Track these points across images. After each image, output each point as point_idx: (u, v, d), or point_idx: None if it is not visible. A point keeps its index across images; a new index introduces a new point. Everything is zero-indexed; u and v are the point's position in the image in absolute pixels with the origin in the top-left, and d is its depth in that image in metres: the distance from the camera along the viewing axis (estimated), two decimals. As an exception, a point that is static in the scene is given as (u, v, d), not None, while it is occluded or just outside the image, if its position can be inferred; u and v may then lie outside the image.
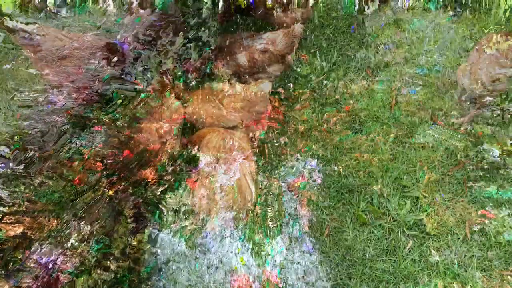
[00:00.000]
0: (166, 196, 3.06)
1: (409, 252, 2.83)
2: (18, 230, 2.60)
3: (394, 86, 3.56)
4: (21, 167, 2.78)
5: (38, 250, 2.57)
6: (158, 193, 3.03)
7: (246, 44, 3.48)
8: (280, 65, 3.57)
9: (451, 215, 2.89)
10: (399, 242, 2.87)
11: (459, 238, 2.80)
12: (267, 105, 3.38)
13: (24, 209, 2.64)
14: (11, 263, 2.47)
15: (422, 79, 3.59)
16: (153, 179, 3.03)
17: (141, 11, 3.91)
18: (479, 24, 3.86)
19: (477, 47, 3.16)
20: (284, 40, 3.41)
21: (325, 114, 3.49)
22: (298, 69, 3.76)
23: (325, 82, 3.69)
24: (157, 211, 3.03)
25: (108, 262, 2.69)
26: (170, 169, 3.09)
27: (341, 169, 3.21)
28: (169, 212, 3.03)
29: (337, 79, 3.68)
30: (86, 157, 2.88)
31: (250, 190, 3.07)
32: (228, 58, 3.61)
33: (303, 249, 2.95)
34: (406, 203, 2.97)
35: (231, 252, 2.96)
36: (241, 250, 2.96)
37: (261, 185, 3.20)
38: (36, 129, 2.94)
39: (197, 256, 2.95)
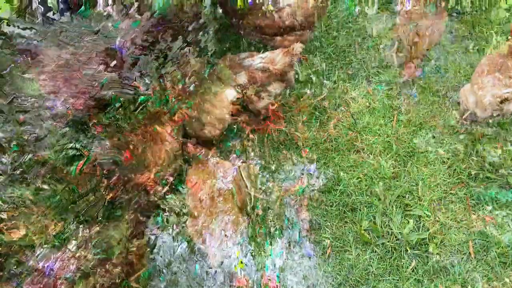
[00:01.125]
0: (167, 197, 3.10)
1: (413, 271, 2.90)
2: (17, 235, 2.60)
3: (396, 104, 3.69)
4: (18, 171, 2.80)
5: (36, 255, 2.56)
6: (160, 195, 3.07)
7: (245, 64, 3.57)
8: (281, 83, 3.65)
9: (454, 234, 2.98)
10: (402, 262, 2.94)
11: (463, 258, 2.89)
12: (227, 115, 3.40)
13: (22, 213, 2.65)
14: (14, 267, 2.47)
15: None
16: (154, 181, 3.07)
17: (138, 16, 4.01)
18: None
19: (478, 69, 3.31)
20: (283, 59, 3.50)
21: (327, 132, 3.59)
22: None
23: (325, 101, 3.80)
24: (159, 213, 3.07)
25: (107, 267, 2.69)
26: (170, 170, 3.14)
27: (343, 187, 3.28)
28: (171, 214, 3.07)
29: (338, 97, 3.79)
30: (85, 160, 2.90)
31: (249, 193, 3.13)
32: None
33: (302, 253, 3.03)
34: (409, 221, 3.05)
35: (230, 255, 3.01)
36: (240, 254, 3.01)
37: (260, 188, 3.27)
38: (33, 134, 2.97)
39: (197, 260, 2.98)
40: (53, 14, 3.58)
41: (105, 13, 3.69)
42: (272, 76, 3.50)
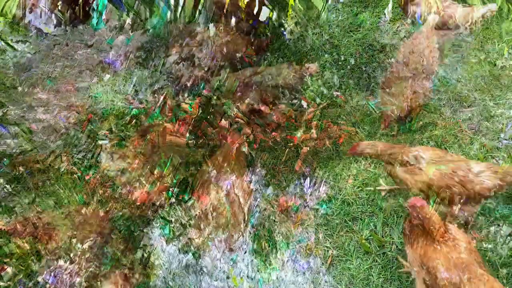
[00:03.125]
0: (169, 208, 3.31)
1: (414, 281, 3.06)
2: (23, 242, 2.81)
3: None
4: (11, 185, 3.01)
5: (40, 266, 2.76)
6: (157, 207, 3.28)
7: (255, 81, 3.77)
8: (290, 95, 3.86)
9: (458, 243, 3.15)
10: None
11: (466, 266, 3.05)
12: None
13: (16, 227, 2.85)
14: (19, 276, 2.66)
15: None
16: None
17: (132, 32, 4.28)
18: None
19: None
20: (295, 76, 3.75)
21: (328, 139, 3.80)
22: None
23: (326, 110, 4.02)
24: (166, 224, 3.26)
25: (99, 283, 2.88)
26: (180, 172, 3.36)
27: (343, 196, 3.48)
28: (176, 224, 3.27)
29: (340, 107, 4.01)
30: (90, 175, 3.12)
31: (243, 210, 3.32)
32: (238, 100, 3.92)
33: (303, 263, 3.20)
34: (410, 231, 3.23)
35: (224, 272, 3.19)
36: (234, 271, 3.18)
37: (255, 204, 3.47)
38: (21, 147, 3.19)
39: (200, 273, 3.16)
40: (66, 27, 3.84)
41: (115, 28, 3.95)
42: (283, 90, 3.73)
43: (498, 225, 3.21)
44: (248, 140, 3.77)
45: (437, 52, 3.69)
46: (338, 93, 4.09)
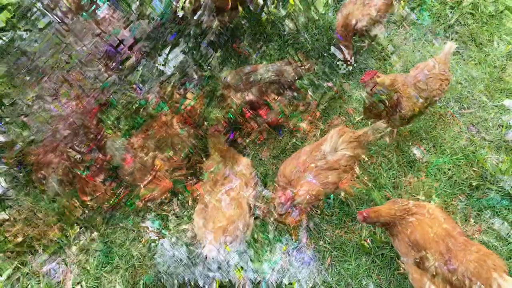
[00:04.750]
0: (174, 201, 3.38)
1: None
2: (19, 239, 2.87)
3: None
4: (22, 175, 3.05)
5: (37, 261, 2.83)
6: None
7: (254, 78, 3.79)
8: (290, 91, 3.92)
9: (455, 245, 3.24)
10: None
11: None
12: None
13: (25, 218, 2.91)
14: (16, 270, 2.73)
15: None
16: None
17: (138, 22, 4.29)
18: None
19: None
20: (293, 72, 3.81)
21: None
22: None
23: (327, 109, 4.07)
24: (163, 218, 3.33)
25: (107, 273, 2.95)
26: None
27: (343, 197, 3.54)
28: (172, 217, 3.35)
29: (340, 107, 4.07)
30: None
31: (248, 201, 3.39)
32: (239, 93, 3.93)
33: (301, 261, 3.28)
34: (409, 232, 3.31)
35: (228, 263, 3.26)
36: (239, 263, 3.27)
37: (259, 195, 3.53)
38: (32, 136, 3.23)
39: (196, 265, 3.25)
40: (72, 16, 3.81)
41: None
42: (281, 86, 3.79)
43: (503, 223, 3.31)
44: (242, 134, 3.83)
45: (446, 85, 3.48)
46: (330, 84, 4.13)
